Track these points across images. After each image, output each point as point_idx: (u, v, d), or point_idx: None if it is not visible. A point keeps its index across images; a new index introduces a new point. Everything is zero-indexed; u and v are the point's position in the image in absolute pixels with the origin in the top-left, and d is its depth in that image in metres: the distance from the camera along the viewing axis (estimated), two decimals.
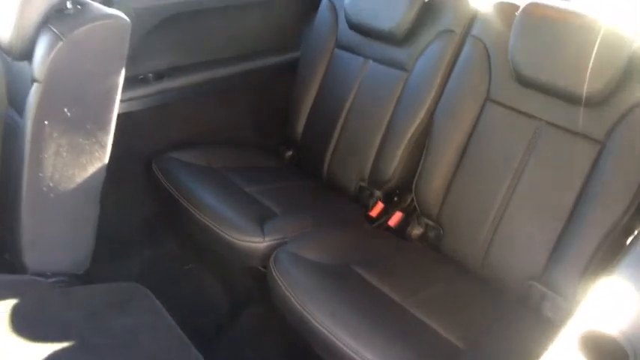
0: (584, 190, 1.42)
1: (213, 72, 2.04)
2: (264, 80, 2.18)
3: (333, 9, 2.02)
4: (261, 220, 1.63)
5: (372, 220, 1.81)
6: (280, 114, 2.13)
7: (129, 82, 1.84)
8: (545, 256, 1.46)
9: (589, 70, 1.40)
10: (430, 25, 1.78)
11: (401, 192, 1.83)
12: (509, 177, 1.55)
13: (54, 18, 1.33)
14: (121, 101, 1.76)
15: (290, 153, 2.13)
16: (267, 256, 1.52)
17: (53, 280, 1.46)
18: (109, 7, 1.70)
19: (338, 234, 1.69)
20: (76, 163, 1.40)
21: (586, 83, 1.41)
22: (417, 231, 1.73)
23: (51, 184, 1.38)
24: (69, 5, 1.36)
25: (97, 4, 1.42)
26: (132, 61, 1.83)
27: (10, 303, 1.24)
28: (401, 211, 1.80)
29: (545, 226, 1.47)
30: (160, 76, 1.94)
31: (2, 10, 1.36)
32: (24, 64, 1.36)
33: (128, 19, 1.37)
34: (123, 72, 1.41)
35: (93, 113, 1.40)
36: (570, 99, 1.46)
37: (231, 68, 2.09)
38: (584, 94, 1.42)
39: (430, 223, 1.69)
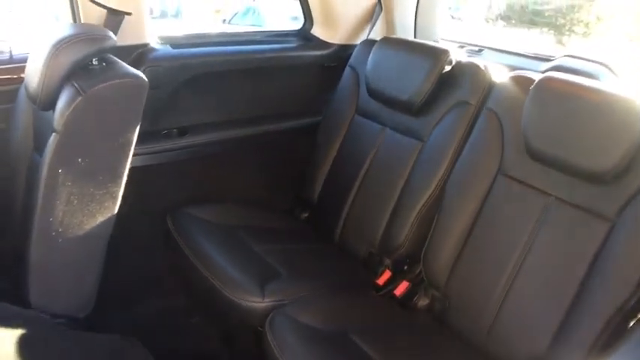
0: (593, 269, 1.37)
1: (234, 131, 2.10)
2: (283, 142, 2.23)
3: (356, 76, 2.07)
4: (264, 280, 1.62)
5: (378, 288, 1.78)
6: (297, 176, 2.15)
7: (152, 136, 1.91)
8: (550, 335, 1.39)
9: (601, 147, 1.38)
10: (446, 95, 1.79)
11: (411, 261, 1.80)
12: (517, 252, 1.50)
13: (78, 73, 1.40)
14: (142, 154, 1.83)
15: (306, 215, 2.13)
16: (265, 316, 1.50)
17: (54, 320, 1.48)
18: (139, 64, 1.80)
19: (340, 300, 1.66)
20: (86, 211, 1.45)
21: (598, 160, 1.38)
22: (422, 302, 1.69)
23: (60, 229, 1.42)
24: (94, 62, 1.45)
25: (121, 63, 1.49)
26: (157, 115, 1.91)
27: (15, 333, 1.27)
28: (408, 280, 1.76)
29: (551, 304, 1.41)
30: (183, 132, 2.00)
31: (34, 62, 1.45)
32: (48, 113, 1.43)
33: (146, 79, 1.43)
34: (138, 128, 1.46)
35: (106, 165, 1.45)
36: (582, 175, 1.43)
37: (252, 129, 2.15)
38: (596, 172, 1.39)
39: (437, 294, 1.65)
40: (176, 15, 9.18)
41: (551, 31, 3.74)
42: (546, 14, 3.77)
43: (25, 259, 1.44)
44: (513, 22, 3.85)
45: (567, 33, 3.70)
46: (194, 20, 9.79)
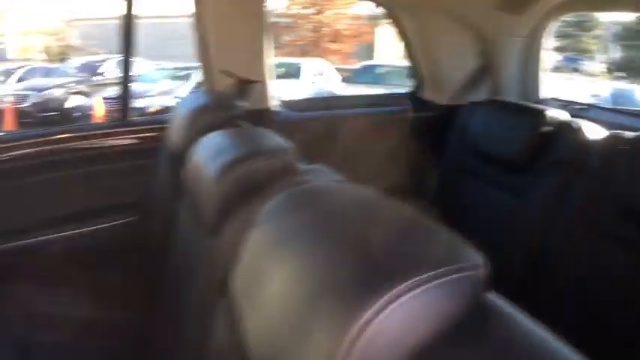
0: None
1: None
2: None
3: (462, 136, 2.19)
4: None
5: None
6: None
7: None
8: None
9: None
10: (546, 155, 1.85)
11: None
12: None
13: None
14: None
15: None
16: None
17: None
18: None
19: None
20: None
21: None
22: None
23: None
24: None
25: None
26: None
27: None
28: None
29: None
30: None
31: (177, 124, 1.67)
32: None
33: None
34: None
35: None
36: None
37: None
38: None
39: None
40: (295, 75, 9.68)
41: None
42: None
43: None
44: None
45: None
46: (311, 80, 10.29)
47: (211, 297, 0.91)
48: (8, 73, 12.65)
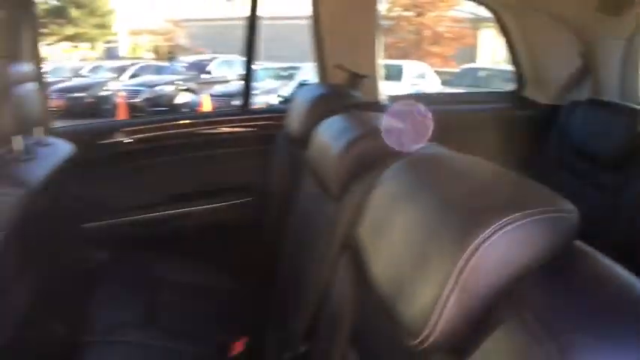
0: None
1: None
2: None
3: (563, 135, 2.21)
4: None
5: None
6: None
7: None
8: None
9: None
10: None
11: None
12: None
13: None
14: None
15: None
16: None
17: None
18: None
19: None
20: None
21: None
22: None
23: None
24: None
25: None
26: None
27: None
28: None
29: None
30: None
31: (296, 111, 1.82)
32: (304, 151, 1.76)
33: None
34: None
35: None
36: None
37: None
38: None
39: None
40: (397, 77, 9.76)
41: None
42: None
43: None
44: None
45: None
46: (412, 82, 10.33)
47: (335, 251, 1.06)
48: (122, 70, 13.57)
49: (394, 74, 9.54)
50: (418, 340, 0.62)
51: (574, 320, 0.52)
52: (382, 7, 2.11)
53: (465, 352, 0.59)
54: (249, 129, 2.28)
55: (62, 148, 1.69)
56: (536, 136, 2.40)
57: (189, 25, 19.64)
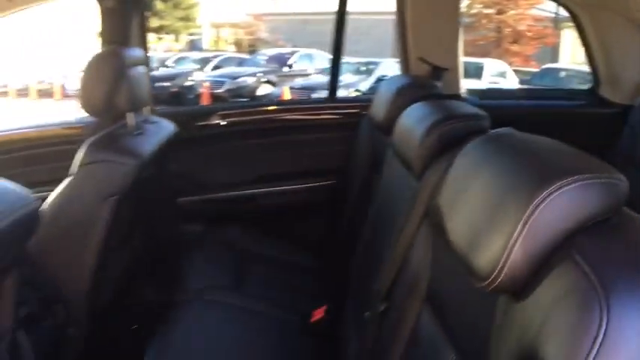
0: None
1: None
2: None
3: (634, 134, 2.22)
4: None
5: None
6: None
7: None
8: None
9: None
10: None
11: None
12: None
13: None
14: None
15: None
16: None
17: None
18: None
19: None
20: None
21: None
22: None
23: None
24: None
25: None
26: None
27: None
28: None
29: None
30: None
31: (379, 100, 1.92)
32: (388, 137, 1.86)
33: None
34: None
35: None
36: None
37: None
38: None
39: None
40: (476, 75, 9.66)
41: None
42: None
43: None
44: None
45: None
46: (492, 80, 10.19)
47: (416, 220, 1.18)
48: (205, 61, 14.05)
49: (474, 72, 9.45)
50: (487, 282, 0.72)
51: (620, 268, 0.61)
52: (462, 4, 2.15)
53: (524, 292, 0.69)
54: (334, 117, 2.40)
55: (166, 127, 1.86)
56: (608, 134, 2.39)
57: (270, 19, 20.06)
